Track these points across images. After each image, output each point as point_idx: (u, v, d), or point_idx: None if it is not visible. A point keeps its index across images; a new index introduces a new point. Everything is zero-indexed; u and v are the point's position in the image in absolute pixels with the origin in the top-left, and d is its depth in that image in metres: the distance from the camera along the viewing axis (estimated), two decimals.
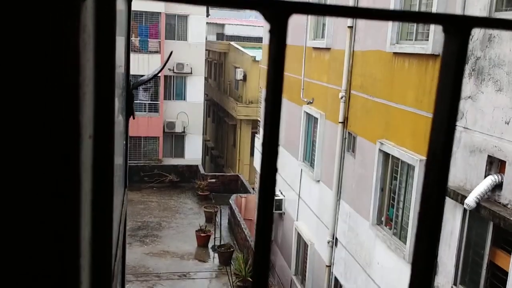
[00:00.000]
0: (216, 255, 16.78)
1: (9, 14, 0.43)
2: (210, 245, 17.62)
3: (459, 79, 0.57)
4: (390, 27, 8.54)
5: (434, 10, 7.31)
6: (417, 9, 8.05)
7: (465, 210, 6.45)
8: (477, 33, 6.46)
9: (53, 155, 0.47)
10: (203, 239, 17.58)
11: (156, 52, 25.50)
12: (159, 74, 25.24)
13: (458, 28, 0.57)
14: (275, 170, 0.53)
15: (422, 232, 0.58)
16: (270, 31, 0.50)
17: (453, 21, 0.57)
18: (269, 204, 0.52)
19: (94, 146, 0.59)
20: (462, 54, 0.57)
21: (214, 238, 17.51)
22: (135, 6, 25.93)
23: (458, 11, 6.76)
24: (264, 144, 0.56)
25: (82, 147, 0.49)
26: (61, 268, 0.47)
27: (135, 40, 25.49)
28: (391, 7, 8.49)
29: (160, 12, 25.44)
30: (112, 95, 0.70)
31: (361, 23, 9.92)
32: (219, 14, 45.12)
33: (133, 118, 1.78)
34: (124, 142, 1.71)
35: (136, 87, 1.96)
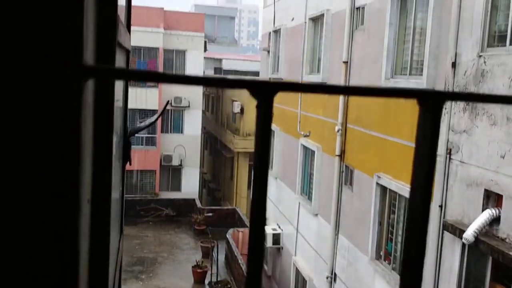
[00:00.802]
0: None
1: (17, 92, 0.46)
2: (206, 281, 17.34)
3: (433, 150, 0.61)
4: (384, 61, 8.70)
5: (427, 46, 7.46)
6: (410, 46, 8.21)
7: (463, 244, 6.42)
8: (470, 68, 6.59)
9: (52, 219, 0.50)
10: (199, 275, 17.31)
11: (154, 86, 25.74)
12: (157, 109, 25.40)
13: (431, 102, 0.61)
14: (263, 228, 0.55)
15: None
16: (257, 106, 0.54)
17: (427, 95, 0.61)
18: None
19: (91, 210, 0.62)
20: (436, 126, 0.61)
21: (211, 274, 17.25)
22: (133, 41, 26.33)
23: (451, 47, 6.90)
24: (252, 211, 0.59)
25: (81, 215, 0.51)
26: None
27: None
28: (385, 44, 8.67)
29: (158, 48, 25.83)
30: (109, 161, 0.74)
31: (356, 58, 10.10)
32: (217, 49, 45.84)
33: (130, 164, 1.81)
34: (121, 188, 1.73)
35: (132, 134, 2.00)
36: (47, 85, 0.45)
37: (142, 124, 2.97)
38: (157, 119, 2.82)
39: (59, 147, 0.46)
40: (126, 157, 1.69)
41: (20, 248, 0.49)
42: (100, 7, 0.65)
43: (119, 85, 1.45)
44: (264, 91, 0.53)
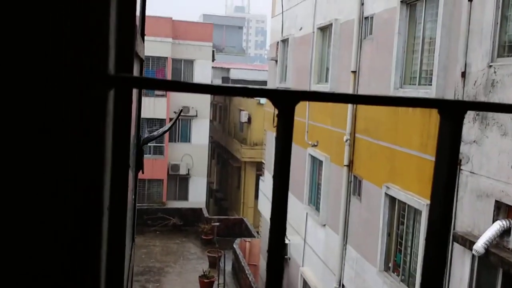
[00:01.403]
0: None
1: (46, 102, 0.47)
2: None
3: (454, 160, 0.60)
4: (393, 71, 8.69)
5: (436, 56, 7.45)
6: (419, 56, 8.20)
7: (473, 256, 6.34)
8: (479, 78, 6.56)
9: (79, 226, 0.50)
10: (206, 285, 17.23)
11: (162, 95, 25.88)
12: (165, 118, 25.51)
13: (452, 111, 0.60)
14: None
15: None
16: (278, 116, 0.54)
17: (448, 105, 0.61)
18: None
19: (109, 218, 0.62)
20: (457, 136, 0.61)
21: (218, 284, 17.17)
22: None
23: (460, 57, 6.88)
24: (272, 221, 0.58)
25: (103, 219, 0.52)
26: None
27: None
28: (393, 54, 8.66)
29: (167, 57, 26.00)
30: (126, 169, 0.74)
31: (365, 67, 10.10)
32: (225, 59, 46.06)
33: (142, 173, 1.82)
34: (133, 196, 1.73)
35: (146, 143, 2.01)
36: (75, 94, 0.46)
37: (155, 133, 2.99)
38: (170, 127, 2.83)
39: (87, 156, 0.47)
40: (139, 165, 1.69)
41: (53, 252, 0.50)
42: (120, 16, 0.66)
43: (133, 94, 1.46)
44: (286, 100, 0.53)
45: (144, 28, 1.64)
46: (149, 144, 26.26)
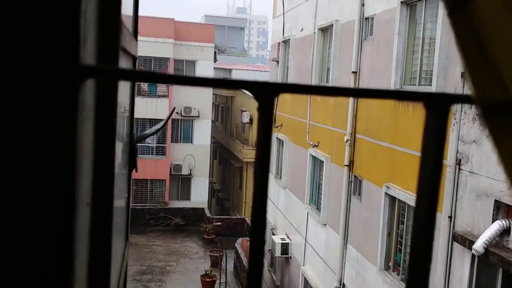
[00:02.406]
0: None
1: (11, 91, 0.46)
2: None
3: (439, 154, 0.60)
4: (393, 71, 8.68)
5: (436, 56, 7.44)
6: (419, 56, 8.19)
7: (473, 256, 6.33)
8: None
9: (50, 219, 0.49)
10: (208, 285, 17.24)
11: (164, 96, 25.90)
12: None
13: (437, 104, 0.60)
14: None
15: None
16: (258, 109, 0.53)
17: (433, 98, 0.60)
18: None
19: (92, 212, 0.62)
20: (442, 130, 0.60)
21: (220, 283, 17.18)
22: (144, 52, 26.45)
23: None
24: (252, 219, 0.58)
25: (78, 218, 0.51)
26: None
27: (143, 85, 25.94)
28: (394, 54, 8.65)
29: (169, 58, 26.02)
30: (111, 165, 0.73)
31: (365, 68, 10.09)
32: (227, 60, 46.08)
33: (136, 171, 1.81)
34: (127, 195, 1.73)
35: (139, 141, 2.00)
36: (43, 84, 0.45)
37: (148, 131, 2.98)
38: (163, 125, 2.83)
39: (54, 147, 0.46)
40: (132, 164, 1.69)
41: (16, 248, 0.49)
42: (103, 11, 0.66)
43: (125, 92, 1.46)
44: (266, 92, 0.52)
45: (137, 26, 1.64)
46: (151, 145, 26.29)
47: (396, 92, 0.60)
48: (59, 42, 0.45)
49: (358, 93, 0.60)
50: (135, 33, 1.65)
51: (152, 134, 2.80)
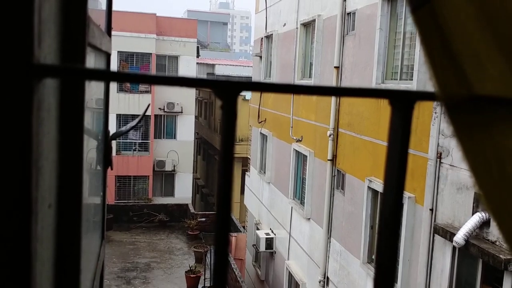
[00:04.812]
0: None
1: None
2: (200, 286, 17.26)
3: (404, 150, 0.60)
4: (375, 66, 8.74)
5: (417, 51, 7.50)
6: (400, 51, 8.26)
7: (454, 247, 6.43)
8: None
9: (5, 223, 0.48)
10: (192, 280, 17.23)
11: (147, 92, 25.70)
12: (150, 114, 25.35)
13: (402, 101, 0.60)
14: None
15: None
16: (221, 107, 0.53)
17: (397, 95, 0.61)
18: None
19: (57, 214, 0.60)
20: (407, 126, 0.60)
21: (204, 279, 17.18)
22: (126, 47, 26.15)
23: None
24: (217, 213, 0.58)
25: (37, 221, 0.50)
26: None
27: None
28: (375, 49, 8.71)
29: (151, 53, 25.81)
30: (80, 165, 0.72)
31: (348, 63, 10.14)
32: (210, 55, 45.87)
33: (111, 169, 1.79)
34: (102, 193, 1.71)
35: (114, 138, 1.98)
36: None
37: (123, 128, 2.96)
38: (138, 122, 2.81)
39: (5, 146, 0.45)
40: (107, 161, 1.68)
41: None
42: (65, 7, 0.64)
43: (98, 89, 1.44)
44: (227, 91, 0.52)
45: (111, 22, 1.62)
46: (134, 141, 26.10)
47: (361, 89, 0.60)
48: (10, 40, 0.44)
49: (322, 91, 0.60)
50: (109, 29, 1.62)
51: (127, 131, 2.78)
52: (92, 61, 1.10)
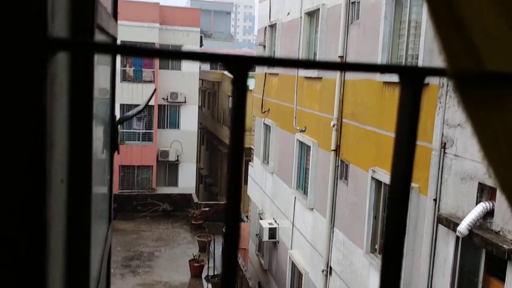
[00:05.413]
0: (210, 285, 16.53)
1: None
2: (203, 275, 17.38)
3: (414, 127, 0.60)
4: (380, 55, 8.69)
5: (422, 40, 7.46)
6: (405, 40, 8.21)
7: (457, 237, 6.44)
8: None
9: (16, 197, 0.48)
10: (196, 269, 17.35)
11: (150, 81, 25.69)
12: (153, 104, 25.37)
13: (412, 78, 0.60)
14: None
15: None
16: (233, 82, 0.53)
17: (407, 71, 0.61)
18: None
19: (68, 189, 0.61)
20: (416, 102, 0.60)
21: (208, 268, 17.29)
22: (129, 37, 26.19)
23: None
24: (228, 190, 0.58)
25: (50, 192, 0.50)
26: None
27: (129, 70, 25.70)
28: (380, 38, 8.66)
29: (154, 43, 25.76)
30: (89, 140, 0.73)
31: (352, 52, 10.09)
32: (213, 44, 45.72)
33: (118, 153, 1.80)
34: (109, 176, 1.72)
35: (121, 122, 1.99)
36: (8, 56, 0.44)
37: (130, 113, 2.98)
38: (144, 107, 2.81)
39: (21, 117, 0.45)
40: (113, 146, 1.68)
41: None
42: None
43: (105, 74, 1.44)
44: (238, 65, 0.52)
45: (117, 8, 1.62)
46: (138, 131, 26.14)
47: (370, 65, 0.60)
48: (26, 15, 0.44)
49: (331, 66, 0.60)
50: (115, 14, 1.62)
51: (134, 115, 2.79)
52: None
